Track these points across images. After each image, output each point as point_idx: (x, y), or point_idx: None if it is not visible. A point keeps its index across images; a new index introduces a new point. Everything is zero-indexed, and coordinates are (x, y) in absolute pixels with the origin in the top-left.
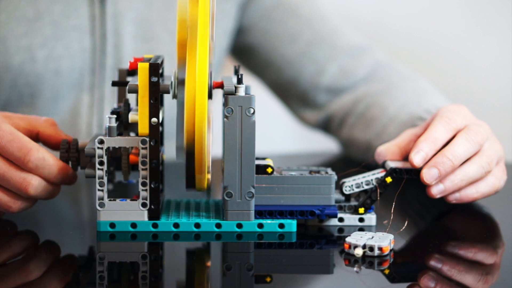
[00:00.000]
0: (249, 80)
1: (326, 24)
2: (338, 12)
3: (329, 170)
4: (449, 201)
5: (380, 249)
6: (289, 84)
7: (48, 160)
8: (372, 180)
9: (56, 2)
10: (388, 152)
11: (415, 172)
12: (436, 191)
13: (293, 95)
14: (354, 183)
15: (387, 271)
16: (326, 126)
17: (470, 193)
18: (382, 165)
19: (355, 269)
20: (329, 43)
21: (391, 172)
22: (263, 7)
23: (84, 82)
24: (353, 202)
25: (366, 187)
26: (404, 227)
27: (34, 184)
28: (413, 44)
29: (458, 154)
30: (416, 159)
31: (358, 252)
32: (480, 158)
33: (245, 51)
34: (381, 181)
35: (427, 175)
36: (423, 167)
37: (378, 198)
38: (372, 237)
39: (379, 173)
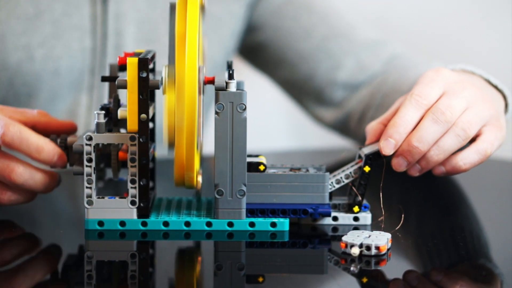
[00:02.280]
0: (259, 78)
1: (341, 18)
2: (343, 8)
3: (311, 168)
4: (437, 174)
5: (377, 248)
6: (304, 81)
7: (25, 133)
8: (351, 172)
9: (57, 1)
10: (369, 132)
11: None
12: (414, 171)
13: (308, 93)
14: (334, 179)
15: (363, 279)
16: (345, 124)
17: (457, 166)
18: (359, 155)
19: (351, 268)
20: (345, 37)
21: (366, 160)
22: (274, 4)
23: (83, 83)
24: (341, 200)
25: (346, 181)
26: (399, 225)
27: (18, 170)
28: (417, 39)
29: (425, 139)
30: (386, 149)
31: (355, 251)
32: (455, 126)
33: (255, 49)
34: (361, 173)
35: (396, 165)
36: (393, 154)
37: (356, 190)
38: (369, 236)
39: (356, 164)
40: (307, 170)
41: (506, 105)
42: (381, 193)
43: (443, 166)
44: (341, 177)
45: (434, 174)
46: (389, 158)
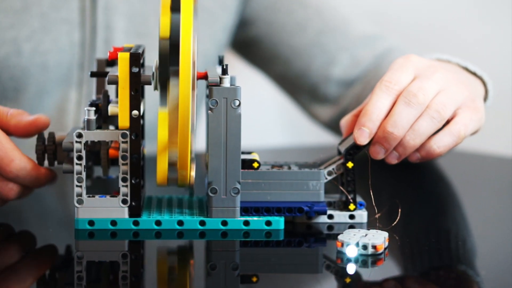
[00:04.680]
0: (253, 73)
1: (336, 12)
2: (338, 2)
3: (293, 165)
4: (413, 161)
5: (374, 247)
6: (298, 77)
7: (29, 170)
8: (333, 169)
9: None
10: (343, 125)
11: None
12: (391, 159)
13: (302, 89)
14: None
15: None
16: None
17: (431, 150)
18: (338, 151)
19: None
20: (340, 31)
21: (346, 155)
22: None
23: (72, 78)
24: (334, 198)
25: (329, 178)
26: (396, 222)
27: (16, 191)
28: (414, 32)
29: (399, 124)
30: (360, 138)
31: (351, 250)
32: (429, 109)
33: (249, 44)
34: (345, 169)
35: (374, 153)
36: (370, 142)
37: (346, 188)
38: (366, 235)
39: (339, 160)
40: (289, 167)
41: (487, 92)
42: (371, 191)
43: (417, 152)
44: (323, 174)
45: (410, 161)
46: (367, 145)
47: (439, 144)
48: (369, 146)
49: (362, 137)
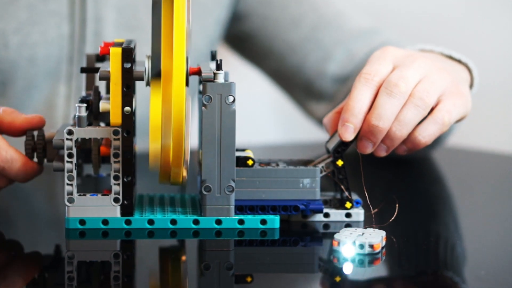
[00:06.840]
0: (247, 69)
1: (331, 6)
2: None
3: (281, 163)
4: (401, 153)
5: (371, 246)
6: (293, 72)
7: (17, 162)
8: (323, 167)
9: None
10: (327, 124)
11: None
12: (380, 152)
13: (297, 85)
14: None
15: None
16: None
17: (417, 140)
18: (327, 149)
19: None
20: (335, 26)
21: (334, 154)
22: None
23: (61, 72)
24: (329, 196)
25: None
26: (393, 218)
27: (2, 185)
28: (412, 26)
29: (384, 116)
30: (345, 134)
31: (348, 250)
32: (412, 97)
33: (243, 39)
34: (336, 168)
35: (362, 148)
36: (357, 137)
37: (341, 185)
38: (363, 234)
39: (328, 158)
40: (277, 165)
41: (473, 79)
42: (364, 189)
43: (404, 144)
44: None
45: (398, 154)
46: (355, 140)
47: (424, 134)
48: (356, 141)
49: (347, 133)
